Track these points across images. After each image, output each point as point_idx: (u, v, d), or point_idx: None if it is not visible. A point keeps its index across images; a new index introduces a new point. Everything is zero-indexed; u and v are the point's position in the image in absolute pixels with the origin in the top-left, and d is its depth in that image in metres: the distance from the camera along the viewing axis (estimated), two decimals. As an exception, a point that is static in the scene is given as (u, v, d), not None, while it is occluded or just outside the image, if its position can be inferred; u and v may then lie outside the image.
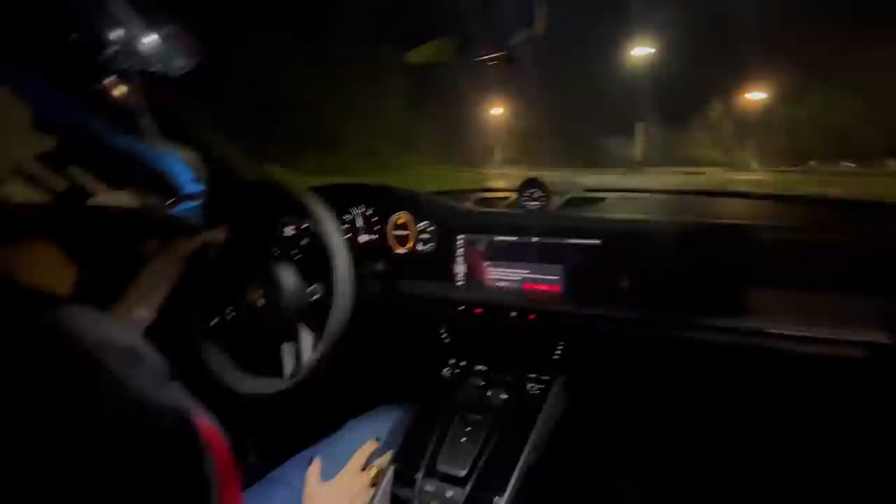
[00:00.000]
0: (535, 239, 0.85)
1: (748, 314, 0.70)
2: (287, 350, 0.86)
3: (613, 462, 0.93)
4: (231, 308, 0.86)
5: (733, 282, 0.73)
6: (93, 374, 0.31)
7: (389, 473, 0.71)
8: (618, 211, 0.95)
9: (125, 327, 0.37)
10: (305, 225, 1.02)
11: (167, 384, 0.36)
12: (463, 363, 0.90)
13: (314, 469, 0.72)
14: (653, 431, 0.92)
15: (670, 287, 0.76)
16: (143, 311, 0.68)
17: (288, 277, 0.82)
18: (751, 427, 0.87)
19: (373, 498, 0.69)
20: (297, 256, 0.87)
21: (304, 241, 0.94)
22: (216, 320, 0.85)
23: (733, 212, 0.96)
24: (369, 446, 0.77)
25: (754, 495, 0.89)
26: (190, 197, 0.56)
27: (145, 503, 0.31)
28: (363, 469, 0.74)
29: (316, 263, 0.85)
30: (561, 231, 0.83)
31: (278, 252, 0.86)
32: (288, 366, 0.83)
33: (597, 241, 0.80)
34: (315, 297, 0.85)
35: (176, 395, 0.36)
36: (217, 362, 0.83)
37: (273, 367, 0.85)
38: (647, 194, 1.07)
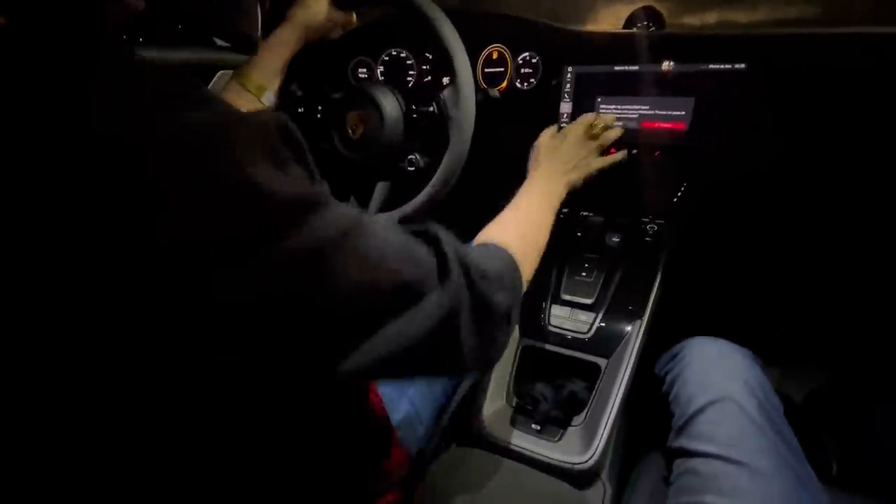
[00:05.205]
0: (663, 67, 0.75)
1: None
2: (355, 193, 0.82)
3: (738, 301, 0.95)
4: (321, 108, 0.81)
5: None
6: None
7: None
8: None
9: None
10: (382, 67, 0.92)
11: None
12: (565, 209, 0.87)
13: None
14: (774, 269, 0.93)
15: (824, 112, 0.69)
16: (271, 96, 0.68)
17: (395, 129, 0.75)
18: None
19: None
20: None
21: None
22: (301, 110, 0.81)
23: None
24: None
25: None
26: None
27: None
28: None
29: (422, 130, 0.78)
30: (696, 54, 0.73)
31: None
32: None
33: (742, 66, 0.71)
34: (412, 167, 0.79)
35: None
36: None
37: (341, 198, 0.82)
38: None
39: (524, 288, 0.48)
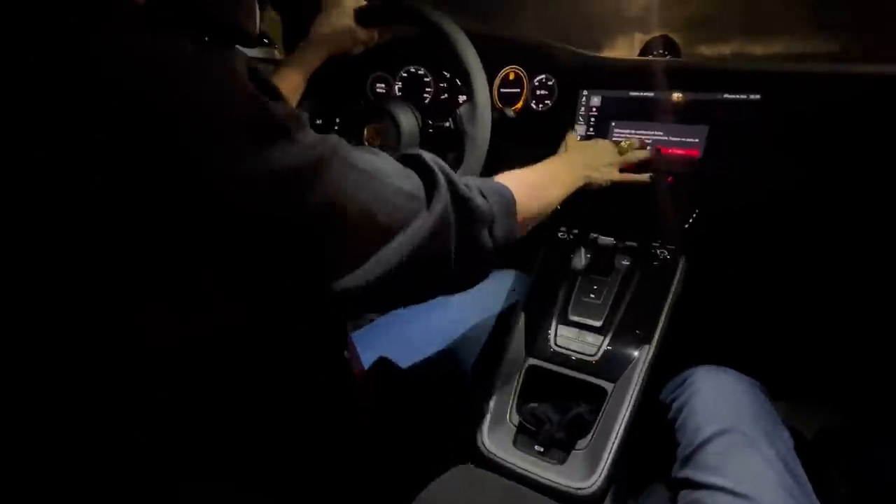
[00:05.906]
0: (678, 95, 0.76)
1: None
2: None
3: (746, 332, 0.94)
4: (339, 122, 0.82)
5: None
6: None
7: (522, 320, 0.72)
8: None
9: None
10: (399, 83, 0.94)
11: None
12: (575, 231, 0.87)
13: None
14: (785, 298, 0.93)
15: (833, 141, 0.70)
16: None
17: (411, 143, 0.76)
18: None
19: (506, 343, 0.71)
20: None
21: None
22: (319, 122, 0.82)
23: None
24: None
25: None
26: None
27: None
28: None
29: (438, 145, 0.78)
30: (711, 84, 0.74)
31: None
32: None
33: (756, 97, 0.71)
34: None
35: None
36: None
37: None
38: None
39: (514, 214, 0.46)
